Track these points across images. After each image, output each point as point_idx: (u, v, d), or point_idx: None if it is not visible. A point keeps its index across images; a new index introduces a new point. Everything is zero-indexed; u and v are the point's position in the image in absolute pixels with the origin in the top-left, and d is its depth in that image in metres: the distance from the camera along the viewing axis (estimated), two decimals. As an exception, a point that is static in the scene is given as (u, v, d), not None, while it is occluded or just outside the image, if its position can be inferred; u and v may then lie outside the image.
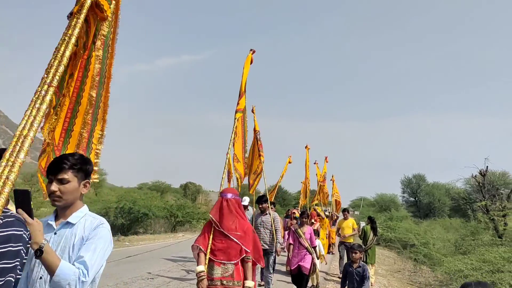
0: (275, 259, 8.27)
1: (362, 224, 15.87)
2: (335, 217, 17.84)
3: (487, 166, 16.50)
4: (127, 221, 21.10)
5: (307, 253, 7.61)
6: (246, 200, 9.56)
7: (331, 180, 20.32)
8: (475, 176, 16.95)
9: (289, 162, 14.48)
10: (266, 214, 7.95)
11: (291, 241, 7.72)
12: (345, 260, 10.96)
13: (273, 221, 7.91)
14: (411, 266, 15.04)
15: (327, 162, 18.89)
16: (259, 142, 9.12)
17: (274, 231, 7.82)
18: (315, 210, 14.30)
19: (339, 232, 12.25)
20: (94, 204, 21.39)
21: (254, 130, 9.31)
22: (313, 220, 11.39)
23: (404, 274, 14.01)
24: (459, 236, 16.79)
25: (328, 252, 15.80)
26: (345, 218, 12.36)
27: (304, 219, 8.16)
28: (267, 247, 7.78)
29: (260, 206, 7.95)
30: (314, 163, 17.43)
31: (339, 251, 12.27)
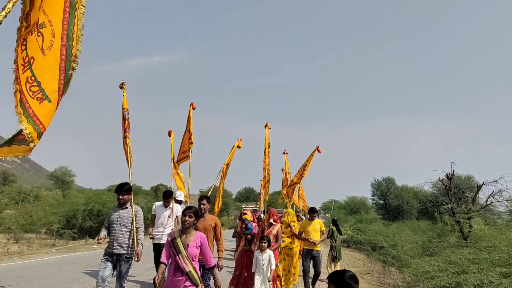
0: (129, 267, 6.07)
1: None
2: (300, 219, 16.05)
3: (453, 170, 16.95)
4: (95, 223, 20.61)
5: (189, 284, 4.56)
6: (181, 195, 9.06)
7: (282, 169, 17.81)
8: (442, 179, 17.38)
9: (238, 147, 11.07)
10: (126, 207, 6.09)
11: (163, 259, 4.73)
12: (311, 275, 9.33)
13: (135, 217, 6.06)
14: (380, 267, 15.27)
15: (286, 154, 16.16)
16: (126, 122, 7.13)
17: (134, 230, 6.01)
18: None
19: (303, 236, 9.30)
20: (61, 206, 20.84)
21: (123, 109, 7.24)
22: (272, 220, 8.11)
23: (373, 276, 14.20)
24: (426, 238, 17.17)
25: None
26: (311, 219, 9.48)
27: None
28: (123, 251, 5.89)
29: (121, 197, 6.03)
30: (284, 153, 15.41)
31: (303, 263, 9.35)
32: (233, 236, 8.89)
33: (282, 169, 17.13)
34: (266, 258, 7.07)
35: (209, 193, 8.99)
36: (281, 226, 8.52)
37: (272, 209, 8.48)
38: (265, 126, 10.12)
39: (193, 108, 8.77)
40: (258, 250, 7.17)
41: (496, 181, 16.20)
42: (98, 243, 5.80)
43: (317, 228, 9.36)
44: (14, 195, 23.91)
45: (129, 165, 6.75)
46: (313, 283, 9.49)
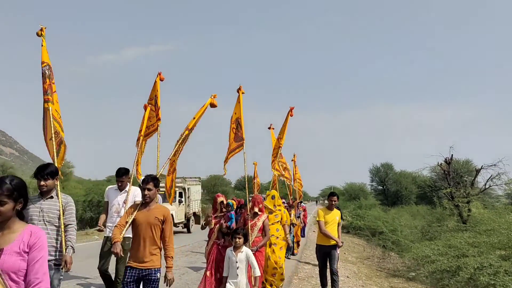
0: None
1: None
2: (297, 207, 14.80)
3: (452, 155, 17.01)
4: (95, 214, 20.71)
5: None
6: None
7: (292, 160, 16.79)
8: (441, 164, 17.43)
9: (212, 105, 6.77)
10: (52, 197, 4.35)
11: None
12: (328, 274, 7.57)
13: (63, 211, 4.36)
14: (380, 253, 15.36)
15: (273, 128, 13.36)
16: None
17: (62, 228, 4.33)
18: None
19: (322, 229, 7.37)
20: (61, 198, 20.86)
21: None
22: (256, 209, 6.62)
23: (373, 261, 14.29)
24: (425, 222, 17.27)
25: (293, 254, 13.20)
26: (330, 208, 7.58)
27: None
28: (49, 256, 3.87)
29: (43, 183, 4.21)
30: (269, 128, 12.77)
31: (317, 258, 7.89)
32: (202, 227, 7.70)
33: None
34: (242, 259, 5.38)
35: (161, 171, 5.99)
36: (267, 216, 6.85)
37: (257, 195, 6.93)
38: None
39: (161, 79, 6.63)
40: (231, 248, 5.49)
41: (494, 165, 16.29)
42: None
43: (336, 220, 7.47)
44: (13, 187, 23.84)
45: (54, 145, 4.85)
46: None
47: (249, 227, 6.36)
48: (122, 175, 6.29)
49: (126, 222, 4.50)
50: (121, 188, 6.39)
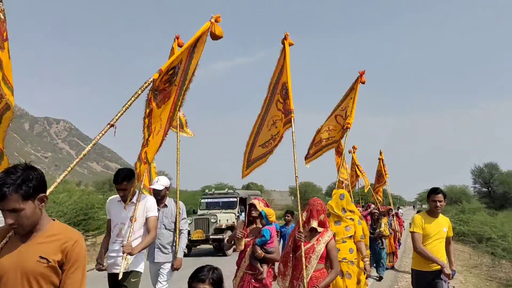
0: None
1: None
2: (389, 214, 12.42)
3: None
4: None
5: None
6: (159, 181, 5.25)
7: (379, 158, 14.93)
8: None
9: (213, 35, 4.33)
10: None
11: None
12: None
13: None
14: (489, 260, 14.25)
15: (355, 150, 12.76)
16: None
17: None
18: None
19: (418, 247, 4.83)
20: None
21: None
22: (314, 223, 4.15)
23: (481, 270, 13.30)
24: (541, 227, 15.71)
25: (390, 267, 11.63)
26: (433, 214, 4.98)
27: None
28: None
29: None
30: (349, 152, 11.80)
31: None
32: (225, 247, 5.31)
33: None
34: None
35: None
36: (334, 233, 4.32)
37: (315, 199, 4.42)
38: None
39: (179, 45, 5.30)
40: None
41: None
42: None
43: (443, 233, 4.89)
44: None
45: None
46: None
47: (302, 255, 3.91)
48: (122, 180, 4.22)
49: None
50: (124, 199, 4.35)
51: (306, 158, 8.02)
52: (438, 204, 4.81)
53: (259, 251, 4.22)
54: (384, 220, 10.56)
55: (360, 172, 12.87)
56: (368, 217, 10.83)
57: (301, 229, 4.07)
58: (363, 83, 7.34)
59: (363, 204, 16.96)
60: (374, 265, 10.39)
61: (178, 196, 5.49)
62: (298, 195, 4.53)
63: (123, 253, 4.04)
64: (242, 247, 4.38)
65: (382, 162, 14.74)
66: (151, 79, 3.72)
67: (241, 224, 4.66)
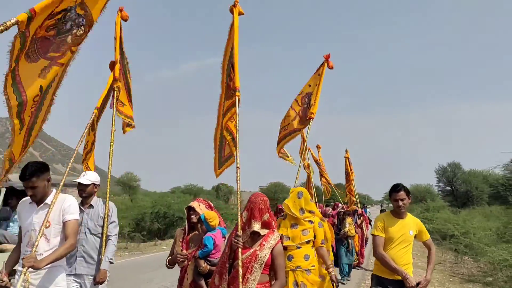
0: None
1: None
2: (353, 214, 11.81)
3: (526, 150, 15.88)
4: (162, 225, 21.49)
5: None
6: (86, 175, 4.64)
7: (345, 157, 14.80)
8: (515, 161, 16.35)
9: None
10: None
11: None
12: None
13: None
14: (452, 257, 14.68)
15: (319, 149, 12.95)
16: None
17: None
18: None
19: (378, 252, 4.32)
20: (130, 210, 21.86)
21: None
22: (255, 224, 3.32)
23: (445, 266, 13.68)
24: (501, 224, 16.24)
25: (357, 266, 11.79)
26: (397, 214, 4.46)
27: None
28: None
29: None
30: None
31: None
32: (169, 263, 4.01)
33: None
34: None
35: None
36: (281, 235, 3.52)
37: (257, 194, 3.44)
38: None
39: (123, 19, 5.32)
40: None
41: None
42: None
43: (408, 236, 4.31)
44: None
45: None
46: None
47: (239, 264, 3.19)
48: (30, 175, 3.40)
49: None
50: (35, 200, 3.56)
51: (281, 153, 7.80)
52: (400, 203, 4.29)
53: (203, 265, 3.64)
54: (348, 220, 10.26)
55: (322, 170, 12.97)
56: (331, 218, 10.83)
57: (240, 232, 3.33)
58: (331, 68, 6.83)
59: (332, 203, 17.05)
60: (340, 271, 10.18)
61: (108, 195, 4.66)
62: (238, 188, 3.82)
63: (23, 267, 3.16)
64: (184, 263, 3.83)
65: (348, 161, 14.73)
66: (14, 20, 2.72)
67: (180, 233, 4.02)
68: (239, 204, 3.66)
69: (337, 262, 10.04)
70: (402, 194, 4.29)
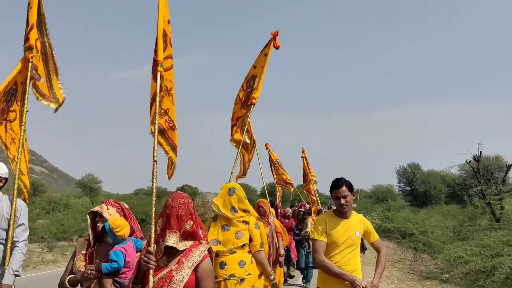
0: None
1: None
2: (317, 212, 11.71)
3: (480, 151, 16.56)
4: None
5: None
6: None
7: (302, 157, 14.65)
8: (470, 161, 17.02)
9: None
10: None
11: None
12: None
13: None
14: (411, 255, 15.08)
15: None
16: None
17: None
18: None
19: (318, 259, 3.74)
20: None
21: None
22: (171, 238, 2.40)
23: (405, 264, 14.04)
24: (457, 222, 16.85)
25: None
26: (341, 214, 3.84)
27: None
28: None
29: None
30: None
31: None
32: (70, 284, 2.91)
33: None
34: None
35: None
36: (209, 248, 2.59)
37: (175, 196, 2.56)
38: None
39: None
40: None
41: (526, 160, 15.76)
42: None
43: (354, 238, 3.78)
44: (44, 204, 24.50)
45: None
46: None
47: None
48: None
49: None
50: None
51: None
52: (343, 200, 3.69)
53: (109, 286, 2.81)
54: (310, 220, 9.74)
55: (278, 169, 12.74)
56: (292, 219, 10.60)
57: (152, 248, 2.48)
58: (278, 48, 6.14)
59: (296, 203, 17.07)
60: (302, 274, 10.07)
61: (15, 192, 3.74)
62: (154, 188, 2.88)
63: None
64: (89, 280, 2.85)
65: (306, 160, 14.59)
66: None
67: (82, 244, 3.06)
68: (153, 209, 2.73)
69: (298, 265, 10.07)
70: (344, 190, 3.69)
